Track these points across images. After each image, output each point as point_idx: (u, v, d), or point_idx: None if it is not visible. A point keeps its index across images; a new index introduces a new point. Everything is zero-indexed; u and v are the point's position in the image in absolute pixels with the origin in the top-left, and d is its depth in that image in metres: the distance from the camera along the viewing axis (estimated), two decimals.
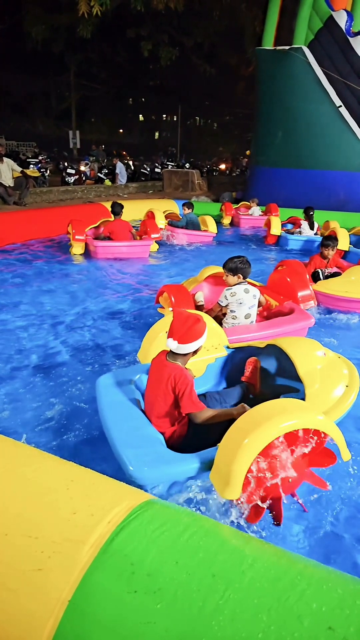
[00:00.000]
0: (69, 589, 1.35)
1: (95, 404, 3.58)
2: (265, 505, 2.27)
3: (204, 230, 10.73)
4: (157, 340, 3.44)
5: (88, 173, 19.44)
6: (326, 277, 6.65)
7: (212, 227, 10.83)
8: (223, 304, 4.48)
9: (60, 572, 1.39)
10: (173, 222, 10.85)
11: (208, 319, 3.54)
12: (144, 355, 3.52)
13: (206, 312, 4.74)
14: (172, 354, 2.80)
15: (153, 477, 2.28)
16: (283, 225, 11.59)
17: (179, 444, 2.75)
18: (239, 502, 2.21)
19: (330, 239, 6.71)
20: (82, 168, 19.13)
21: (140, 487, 2.25)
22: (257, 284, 5.46)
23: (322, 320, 5.63)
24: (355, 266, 6.51)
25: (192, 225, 10.65)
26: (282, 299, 5.02)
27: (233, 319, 4.40)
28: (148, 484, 2.29)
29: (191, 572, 1.35)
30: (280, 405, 2.29)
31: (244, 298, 4.34)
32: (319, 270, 6.74)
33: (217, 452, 2.25)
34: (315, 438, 2.32)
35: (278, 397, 3.14)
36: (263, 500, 2.26)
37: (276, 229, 10.54)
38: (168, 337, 2.74)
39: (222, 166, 30.99)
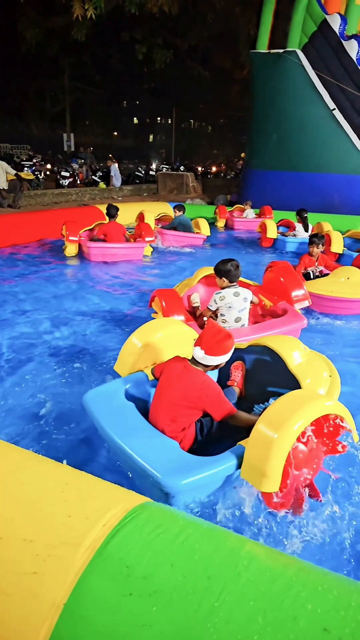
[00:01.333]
0: (64, 593, 1.34)
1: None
2: (304, 492, 2.39)
3: (196, 233, 10.73)
4: (139, 354, 3.24)
5: (76, 176, 19.36)
6: (315, 277, 6.72)
7: (205, 229, 10.82)
8: (212, 308, 4.47)
9: (56, 576, 1.39)
10: (164, 225, 10.87)
11: (179, 324, 3.48)
12: (124, 368, 3.29)
13: (199, 315, 4.76)
14: (194, 360, 2.84)
15: (185, 484, 2.24)
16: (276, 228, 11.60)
17: (189, 448, 2.75)
18: (278, 494, 2.26)
19: (316, 236, 6.89)
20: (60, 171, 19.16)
21: (167, 495, 2.27)
22: (252, 283, 5.46)
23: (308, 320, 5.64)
24: (342, 267, 6.58)
25: (183, 227, 10.64)
26: (276, 299, 5.03)
27: (223, 322, 4.39)
28: (181, 491, 2.26)
29: (186, 575, 1.34)
30: (300, 395, 2.43)
31: (233, 302, 4.32)
32: (310, 270, 6.88)
33: (247, 449, 2.30)
34: (331, 424, 2.47)
35: (266, 396, 3.27)
36: (298, 489, 2.36)
37: (272, 232, 10.54)
38: (195, 345, 2.80)
39: (213, 169, 31.04)
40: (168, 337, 3.30)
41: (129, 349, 3.28)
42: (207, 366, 2.82)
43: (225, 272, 4.40)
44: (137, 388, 3.16)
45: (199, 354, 2.77)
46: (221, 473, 2.36)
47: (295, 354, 3.25)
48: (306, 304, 5.00)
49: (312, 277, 6.80)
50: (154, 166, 25.48)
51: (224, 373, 3.59)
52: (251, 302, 4.56)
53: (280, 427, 2.22)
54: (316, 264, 6.99)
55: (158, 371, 3.02)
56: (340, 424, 2.47)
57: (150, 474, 2.27)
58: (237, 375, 3.48)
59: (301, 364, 3.21)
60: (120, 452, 2.50)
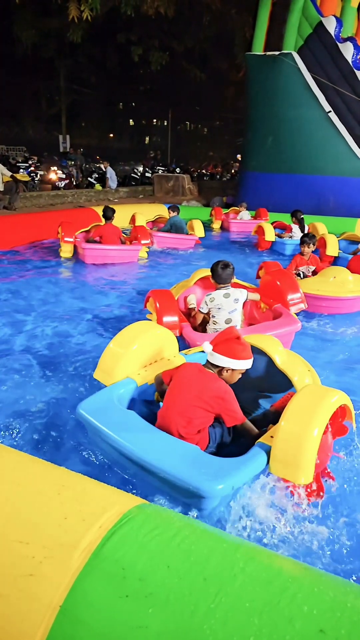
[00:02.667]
0: (60, 594, 1.34)
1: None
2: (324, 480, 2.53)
3: (190, 234, 10.74)
4: (121, 360, 3.12)
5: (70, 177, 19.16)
6: (305, 277, 6.83)
7: (199, 231, 10.82)
8: (204, 311, 4.47)
9: (52, 578, 1.38)
10: (158, 227, 10.86)
11: (155, 327, 3.44)
12: (107, 376, 3.13)
13: (193, 318, 4.76)
14: (209, 365, 2.87)
15: (224, 488, 2.23)
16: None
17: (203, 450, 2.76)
18: (312, 484, 2.38)
19: (307, 236, 7.05)
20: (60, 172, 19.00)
21: (201, 499, 2.26)
22: (249, 286, 5.46)
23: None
24: (330, 267, 6.64)
25: (175, 228, 10.63)
26: (272, 302, 5.04)
27: (214, 324, 4.38)
28: (220, 495, 2.25)
29: (183, 576, 1.34)
30: (316, 390, 2.61)
31: (222, 303, 4.30)
32: (301, 270, 7.02)
33: (276, 446, 2.40)
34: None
35: (254, 396, 3.39)
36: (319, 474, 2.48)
37: (270, 235, 10.52)
38: (210, 342, 2.86)
39: (205, 171, 31.01)
40: (148, 341, 3.26)
41: (111, 356, 3.16)
42: (215, 366, 2.84)
43: (213, 272, 4.41)
44: (129, 395, 3.10)
45: (208, 348, 2.84)
46: (252, 472, 2.40)
47: (279, 352, 3.38)
48: (302, 307, 5.01)
49: (302, 276, 6.93)
50: (141, 168, 25.10)
51: None
52: (249, 299, 4.54)
53: (309, 422, 2.36)
54: (307, 263, 7.09)
55: (167, 376, 2.99)
56: (349, 410, 2.70)
57: (185, 481, 2.24)
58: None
59: (285, 362, 3.35)
60: (142, 463, 2.41)
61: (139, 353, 3.17)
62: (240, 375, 2.92)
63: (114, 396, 2.92)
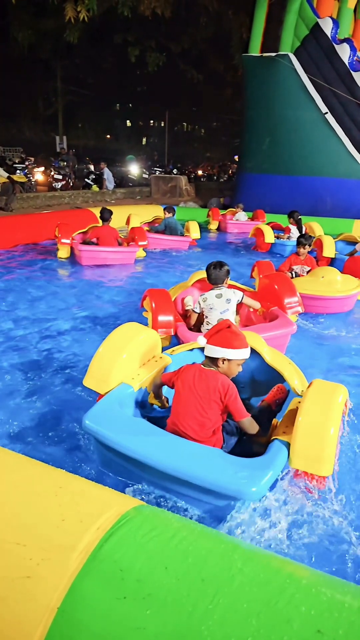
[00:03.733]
0: (58, 596, 1.34)
1: (78, 412, 3.58)
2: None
3: (186, 236, 10.75)
4: (119, 365, 3.02)
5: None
6: (297, 276, 6.98)
7: (195, 232, 10.83)
8: (197, 311, 4.47)
9: (49, 579, 1.38)
10: (153, 227, 10.87)
11: (142, 328, 3.35)
12: (101, 383, 2.99)
13: (187, 319, 4.75)
14: (207, 362, 2.87)
15: (262, 489, 2.27)
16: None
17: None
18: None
19: (303, 237, 7.17)
20: (52, 174, 18.76)
21: (234, 502, 2.29)
22: (247, 289, 5.47)
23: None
24: (320, 267, 6.69)
25: (170, 229, 10.65)
26: (269, 305, 5.04)
27: (207, 324, 4.37)
28: (260, 496, 2.29)
29: (181, 577, 1.35)
30: (325, 385, 2.75)
31: (214, 303, 4.28)
32: (294, 269, 7.16)
33: (296, 442, 2.48)
34: None
35: (244, 389, 3.42)
36: None
37: (270, 237, 10.50)
38: (204, 336, 2.87)
39: (200, 172, 30.99)
40: (137, 344, 3.19)
41: (103, 362, 3.03)
42: (212, 360, 2.84)
43: (207, 273, 4.42)
44: (130, 402, 3.03)
45: (202, 342, 2.86)
46: (280, 469, 2.44)
47: (266, 349, 3.47)
48: (299, 310, 5.01)
49: (295, 275, 7.04)
50: (133, 170, 24.76)
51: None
52: (245, 304, 4.53)
53: (328, 416, 2.50)
54: (303, 263, 7.16)
55: (169, 379, 2.95)
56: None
57: (224, 487, 2.24)
58: None
59: (273, 358, 3.45)
60: (170, 473, 2.36)
61: (130, 357, 3.12)
62: (239, 368, 2.89)
63: (118, 405, 2.81)
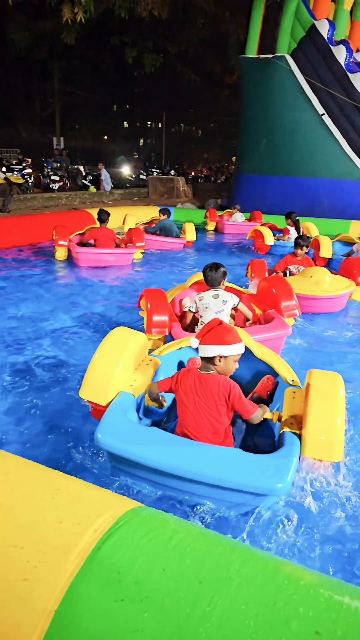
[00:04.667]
0: (55, 599, 1.34)
1: (74, 412, 3.57)
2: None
3: (182, 237, 10.74)
4: (117, 374, 2.94)
5: (47, 181, 18.61)
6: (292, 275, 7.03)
7: (190, 234, 10.85)
8: (192, 309, 4.46)
9: (47, 582, 1.38)
10: (148, 228, 10.89)
11: (130, 333, 3.28)
12: (102, 393, 2.90)
13: (179, 317, 4.75)
14: (204, 365, 2.83)
15: (289, 483, 2.33)
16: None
17: None
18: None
19: (301, 238, 7.20)
20: (49, 175, 18.59)
21: (262, 498, 2.42)
22: (246, 292, 5.47)
23: None
24: (311, 267, 6.79)
25: (165, 231, 10.67)
26: (267, 307, 5.04)
27: (201, 324, 4.36)
28: (287, 491, 2.36)
29: (178, 579, 1.34)
30: (323, 375, 2.88)
31: (210, 303, 4.26)
32: (290, 268, 7.21)
33: (308, 432, 2.59)
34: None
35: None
36: None
37: (270, 239, 10.50)
38: (196, 337, 2.86)
39: (193, 173, 30.98)
40: (129, 350, 3.13)
41: (100, 373, 2.94)
42: (207, 360, 2.80)
43: (203, 275, 4.41)
44: (134, 410, 2.94)
45: (195, 343, 2.83)
46: (297, 461, 2.50)
47: (254, 343, 3.52)
48: (296, 313, 5.01)
49: (289, 275, 7.07)
50: (124, 170, 24.42)
51: None
52: (236, 308, 4.50)
53: (334, 406, 2.63)
54: (299, 263, 7.19)
55: (167, 388, 2.92)
56: None
57: (254, 485, 2.29)
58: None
59: (260, 351, 3.52)
60: (198, 478, 2.37)
61: (125, 364, 3.06)
62: (235, 364, 2.86)
63: (124, 415, 2.73)
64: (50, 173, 18.67)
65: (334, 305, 6.47)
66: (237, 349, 2.81)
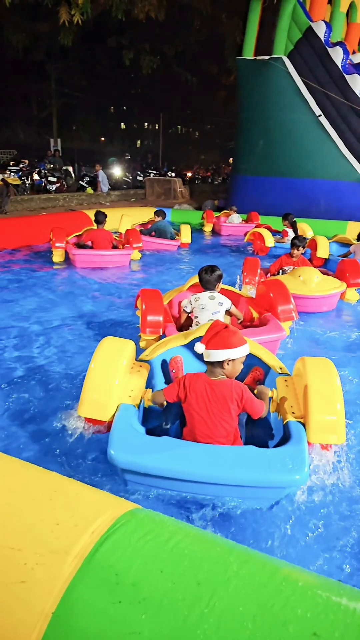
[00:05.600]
0: (53, 601, 1.33)
1: (71, 414, 3.57)
2: None
3: (176, 239, 10.76)
4: (116, 388, 2.88)
5: (43, 182, 18.41)
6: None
7: (185, 236, 10.86)
8: (188, 310, 4.45)
9: (44, 584, 1.37)
10: (143, 229, 10.91)
11: (120, 342, 3.20)
12: (103, 409, 2.83)
13: (176, 319, 4.74)
14: (211, 370, 2.82)
15: (308, 471, 2.44)
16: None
17: None
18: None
19: (297, 239, 7.21)
20: (37, 177, 18.37)
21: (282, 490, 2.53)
22: (245, 295, 5.48)
23: None
24: (301, 267, 6.85)
25: (159, 232, 10.69)
26: (264, 311, 5.05)
27: (196, 325, 4.36)
28: (308, 477, 2.46)
29: (176, 581, 1.34)
30: (318, 362, 3.00)
31: (206, 304, 4.25)
32: (285, 269, 7.25)
33: (312, 419, 2.68)
34: None
35: None
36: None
37: (270, 241, 10.48)
38: (201, 342, 2.84)
39: (189, 174, 30.96)
40: (122, 360, 3.03)
41: (99, 388, 2.85)
42: (215, 364, 2.78)
43: (199, 277, 4.41)
44: (137, 420, 2.87)
45: (200, 349, 2.81)
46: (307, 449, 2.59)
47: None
48: (293, 317, 5.00)
49: (281, 274, 7.12)
50: (116, 172, 24.06)
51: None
52: (230, 312, 4.49)
53: (333, 391, 2.75)
54: (294, 264, 7.20)
55: (174, 395, 2.88)
56: None
57: (280, 480, 2.38)
58: (175, 368, 3.51)
59: (251, 345, 3.49)
60: (223, 482, 2.41)
61: (121, 376, 2.98)
62: (241, 365, 2.86)
63: (131, 429, 2.66)
64: (48, 174, 18.64)
65: (322, 305, 6.53)
66: (244, 351, 2.82)
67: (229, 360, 2.76)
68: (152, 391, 3.11)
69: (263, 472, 2.35)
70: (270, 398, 3.09)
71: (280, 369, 3.44)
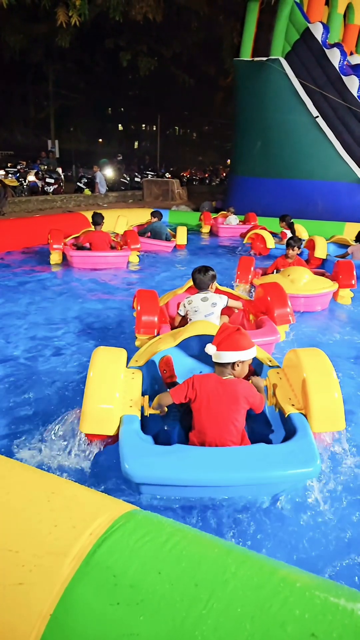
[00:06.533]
0: (51, 603, 1.33)
1: (68, 415, 3.56)
2: None
3: (171, 241, 10.77)
4: (117, 401, 2.82)
5: (38, 184, 18.22)
6: None
7: (181, 238, 10.87)
8: (182, 313, 4.43)
9: (42, 586, 1.37)
10: (138, 231, 10.92)
11: (114, 352, 3.13)
12: (107, 424, 2.76)
13: (171, 322, 4.74)
14: (220, 370, 2.86)
15: (319, 460, 2.49)
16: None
17: None
18: None
19: (292, 239, 7.24)
20: (31, 178, 18.29)
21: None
22: (244, 297, 5.48)
23: None
24: (291, 267, 6.87)
25: (154, 233, 10.71)
26: (261, 314, 5.04)
27: None
28: (320, 466, 2.51)
29: (174, 582, 1.34)
30: (309, 352, 3.10)
31: (199, 306, 4.23)
32: (277, 270, 7.23)
33: (314, 409, 2.77)
34: None
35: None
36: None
37: (270, 242, 10.45)
38: (212, 344, 2.88)
39: (186, 175, 30.93)
40: (118, 370, 2.97)
41: (100, 404, 2.77)
42: (225, 365, 2.83)
43: (192, 278, 4.41)
44: (140, 431, 2.81)
45: (212, 350, 2.85)
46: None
47: None
48: (290, 321, 4.99)
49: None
50: (107, 173, 23.66)
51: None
52: (229, 306, 4.47)
53: (330, 380, 2.85)
54: (290, 265, 7.19)
55: (183, 396, 2.86)
56: None
57: (298, 473, 2.43)
58: (166, 369, 3.52)
59: None
60: (243, 483, 2.44)
61: (119, 387, 2.90)
62: (248, 367, 2.94)
63: (141, 441, 2.62)
64: (46, 176, 18.62)
65: (310, 304, 6.54)
66: (253, 353, 2.89)
67: (240, 362, 2.83)
68: (149, 398, 3.09)
69: (282, 468, 2.40)
70: (265, 387, 3.19)
71: (270, 361, 3.50)
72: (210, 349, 2.85)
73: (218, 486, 2.45)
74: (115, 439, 2.80)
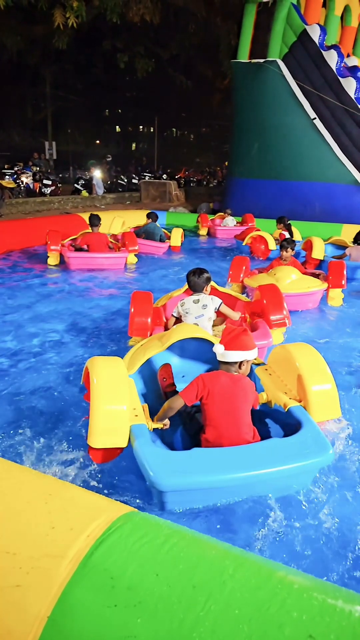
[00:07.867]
0: (48, 605, 1.33)
1: (67, 416, 3.56)
2: None
3: (165, 242, 10.79)
4: (125, 412, 2.74)
5: (31, 185, 18.01)
6: None
7: (175, 240, 10.85)
8: (175, 315, 4.44)
9: (39, 588, 1.37)
10: (136, 231, 10.92)
11: (114, 362, 3.04)
12: (117, 436, 2.69)
13: (165, 324, 4.73)
14: (227, 368, 2.98)
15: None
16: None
17: None
18: None
19: (286, 241, 7.26)
20: (24, 179, 18.15)
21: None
22: (243, 299, 5.47)
23: None
24: (280, 266, 6.90)
25: (148, 234, 10.73)
26: (257, 317, 5.03)
27: None
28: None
29: (171, 584, 1.34)
30: (299, 347, 3.26)
31: (190, 308, 4.23)
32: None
33: (313, 400, 2.93)
34: None
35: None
36: None
37: (272, 244, 10.38)
38: (220, 343, 2.98)
39: (177, 174, 30.85)
40: (121, 381, 2.88)
41: (109, 415, 2.69)
42: (231, 364, 2.95)
43: (187, 280, 4.41)
44: (153, 439, 2.80)
45: (219, 350, 2.94)
46: None
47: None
48: (286, 324, 4.97)
49: None
50: (96, 174, 23.41)
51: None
52: (220, 310, 4.36)
53: (324, 372, 3.02)
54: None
55: (193, 396, 2.87)
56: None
57: (313, 464, 2.53)
58: (165, 377, 3.53)
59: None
60: (272, 478, 2.51)
61: (125, 397, 2.83)
62: (250, 365, 3.09)
63: (157, 450, 2.56)
64: (43, 177, 18.61)
65: (297, 303, 6.56)
66: (257, 352, 3.05)
67: (246, 361, 2.97)
68: (147, 405, 3.09)
69: (302, 459, 2.49)
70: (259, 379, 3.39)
71: (256, 359, 3.53)
72: (218, 348, 2.95)
73: (246, 484, 2.50)
74: (114, 454, 2.77)
